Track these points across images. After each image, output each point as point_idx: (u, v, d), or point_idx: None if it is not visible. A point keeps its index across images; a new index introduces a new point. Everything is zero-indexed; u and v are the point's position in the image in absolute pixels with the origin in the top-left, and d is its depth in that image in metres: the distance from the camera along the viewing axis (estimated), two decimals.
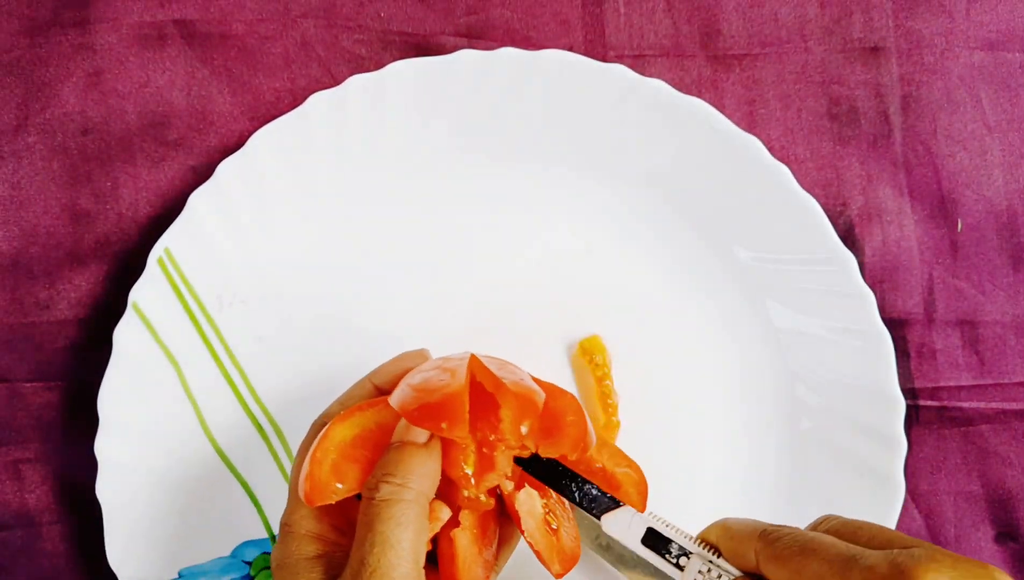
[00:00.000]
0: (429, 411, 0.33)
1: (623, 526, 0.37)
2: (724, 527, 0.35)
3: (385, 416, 0.36)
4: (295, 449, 0.46)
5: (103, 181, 0.48)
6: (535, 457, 0.37)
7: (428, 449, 0.34)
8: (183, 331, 0.46)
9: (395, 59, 0.47)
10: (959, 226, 0.49)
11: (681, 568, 0.36)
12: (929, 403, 0.49)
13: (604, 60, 0.47)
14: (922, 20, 0.49)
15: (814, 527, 0.34)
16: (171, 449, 0.46)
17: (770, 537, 0.33)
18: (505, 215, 0.47)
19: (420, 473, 0.34)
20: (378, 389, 0.38)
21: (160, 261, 0.45)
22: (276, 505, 0.46)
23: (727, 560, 0.35)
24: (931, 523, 0.49)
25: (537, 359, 0.47)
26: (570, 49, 0.47)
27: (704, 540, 0.36)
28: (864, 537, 0.32)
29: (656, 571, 0.37)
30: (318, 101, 0.45)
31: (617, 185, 0.47)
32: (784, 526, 0.34)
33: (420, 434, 0.34)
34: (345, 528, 0.36)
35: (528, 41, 0.48)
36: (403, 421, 0.35)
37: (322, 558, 0.34)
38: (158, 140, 0.48)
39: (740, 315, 0.47)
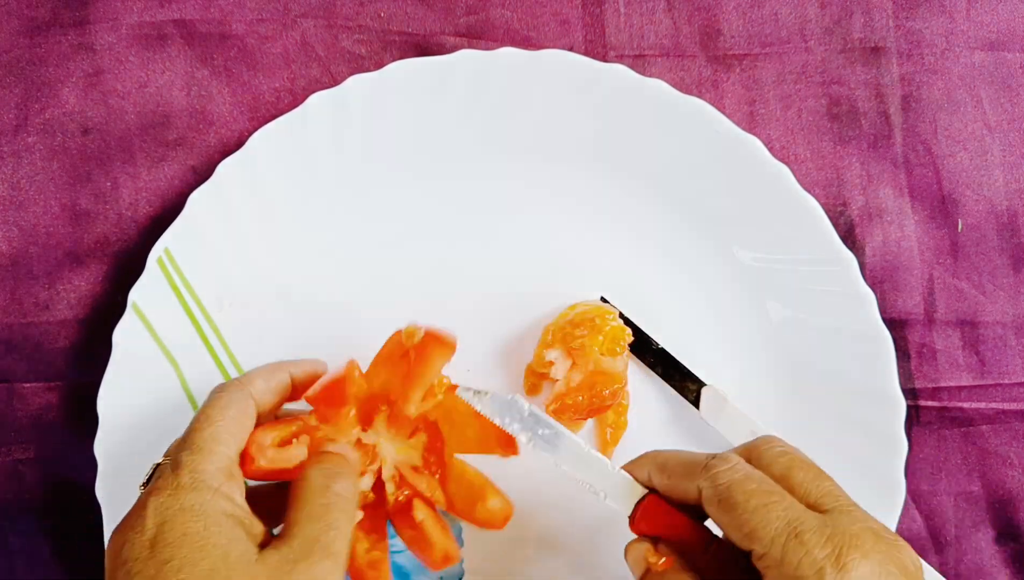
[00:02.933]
0: (323, 392, 0.38)
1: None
2: (659, 463, 0.37)
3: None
4: None
5: (103, 181, 0.48)
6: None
7: (355, 457, 0.38)
8: (183, 331, 0.46)
9: (395, 59, 0.47)
10: (959, 226, 0.49)
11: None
12: (929, 403, 0.49)
13: (604, 60, 0.47)
14: (922, 20, 0.49)
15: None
16: None
17: (713, 478, 0.34)
18: (505, 215, 0.47)
19: (354, 472, 0.37)
20: (293, 382, 0.40)
21: (160, 261, 0.45)
22: None
23: (657, 490, 0.37)
24: (931, 523, 0.49)
25: (519, 370, 0.47)
26: (570, 49, 0.47)
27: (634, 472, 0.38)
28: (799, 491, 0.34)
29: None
30: (318, 101, 0.45)
31: (617, 185, 0.47)
32: (726, 468, 0.35)
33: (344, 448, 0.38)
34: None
35: (528, 41, 0.48)
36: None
37: (237, 514, 0.34)
38: (158, 140, 0.48)
39: (740, 315, 0.47)
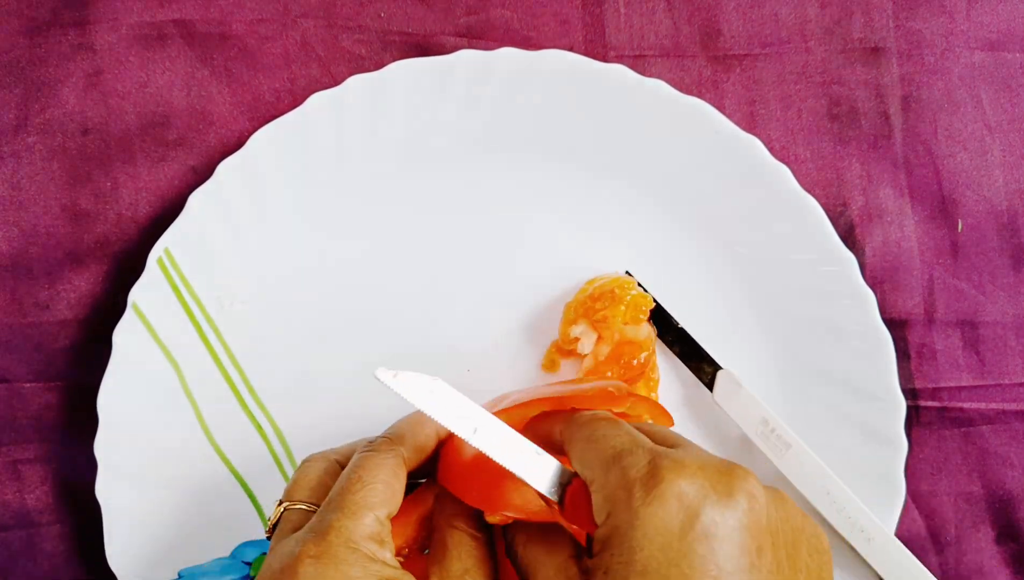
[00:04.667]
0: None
1: None
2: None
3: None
4: (295, 449, 0.46)
5: (103, 181, 0.48)
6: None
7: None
8: (183, 331, 0.46)
9: (395, 59, 0.47)
10: (959, 226, 0.49)
11: None
12: (929, 404, 0.49)
13: (604, 60, 0.47)
14: (922, 20, 0.49)
15: None
16: (171, 449, 0.46)
17: (574, 419, 0.34)
18: (505, 215, 0.47)
19: (410, 435, 0.36)
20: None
21: (160, 261, 0.45)
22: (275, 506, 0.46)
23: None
24: (931, 524, 0.49)
25: (537, 357, 0.47)
26: (570, 49, 0.47)
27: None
28: (657, 436, 0.33)
29: None
30: (318, 101, 0.45)
31: (617, 185, 0.47)
32: (591, 412, 0.34)
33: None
34: None
35: (528, 41, 0.48)
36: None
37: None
38: (158, 140, 0.48)
39: (740, 315, 0.47)
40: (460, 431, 0.34)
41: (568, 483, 0.34)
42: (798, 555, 0.31)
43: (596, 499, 0.31)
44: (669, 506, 0.29)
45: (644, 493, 0.29)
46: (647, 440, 0.32)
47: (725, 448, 0.46)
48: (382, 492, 0.33)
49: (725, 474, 0.30)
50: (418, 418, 0.37)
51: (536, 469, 0.34)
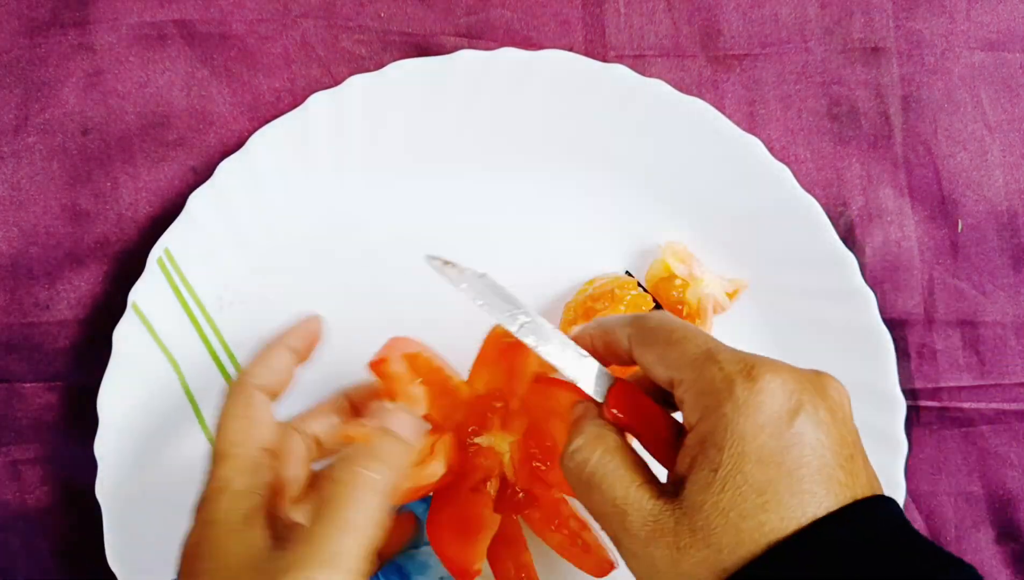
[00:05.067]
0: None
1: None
2: (597, 323, 0.36)
3: None
4: None
5: (103, 181, 0.48)
6: None
7: (410, 445, 0.35)
8: (183, 331, 0.46)
9: (395, 59, 0.47)
10: (959, 226, 0.49)
11: None
12: (929, 404, 0.49)
13: (604, 60, 0.47)
14: (922, 20, 0.49)
15: None
16: (171, 449, 0.46)
17: (640, 322, 0.34)
18: (504, 215, 0.47)
19: (397, 466, 0.34)
20: (352, 404, 0.39)
21: (160, 261, 0.45)
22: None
23: (600, 354, 0.36)
24: (931, 524, 0.49)
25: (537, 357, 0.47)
26: (570, 49, 0.47)
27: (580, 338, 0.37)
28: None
29: None
30: (318, 101, 0.45)
31: (617, 185, 0.47)
32: (656, 313, 0.35)
33: (404, 426, 0.35)
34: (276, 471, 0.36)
35: (528, 41, 0.48)
36: (386, 405, 0.36)
37: (257, 514, 0.34)
38: (158, 140, 0.48)
39: (740, 315, 0.47)
40: (505, 322, 0.35)
41: (612, 385, 0.35)
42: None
43: (687, 398, 0.31)
44: (775, 396, 0.30)
45: (748, 385, 0.30)
46: (722, 342, 0.33)
47: None
48: (243, 428, 0.36)
49: (817, 374, 0.32)
50: (268, 344, 0.39)
51: (582, 369, 0.35)
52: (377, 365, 0.37)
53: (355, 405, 0.39)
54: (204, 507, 0.34)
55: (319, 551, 0.31)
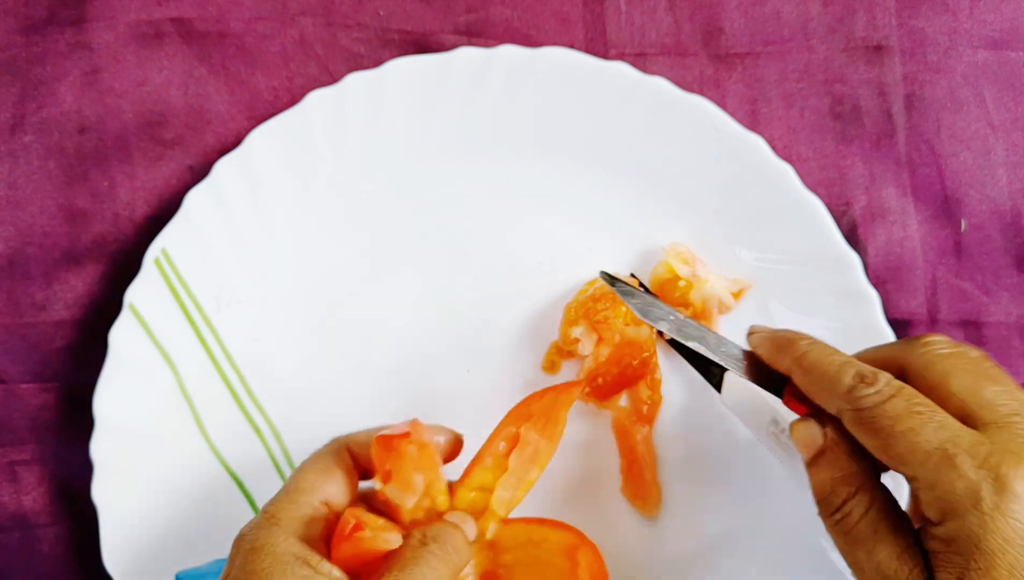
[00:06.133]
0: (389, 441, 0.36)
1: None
2: (799, 354, 0.36)
3: None
4: (292, 450, 0.46)
5: (100, 181, 0.48)
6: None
7: (470, 549, 0.36)
8: (180, 332, 0.45)
9: (394, 57, 0.46)
10: (963, 226, 0.49)
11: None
12: None
13: (605, 58, 0.47)
14: (925, 19, 0.49)
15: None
16: (167, 451, 0.45)
17: (856, 398, 0.32)
18: (505, 213, 0.47)
19: (461, 563, 0.35)
20: (352, 455, 0.37)
21: (157, 261, 0.45)
22: None
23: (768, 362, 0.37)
24: None
25: (537, 358, 0.47)
26: (571, 47, 0.47)
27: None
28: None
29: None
30: (316, 99, 0.45)
31: (618, 184, 0.47)
32: (809, 340, 0.35)
33: (470, 529, 0.36)
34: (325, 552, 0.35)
35: (528, 39, 0.48)
36: (454, 514, 0.37)
37: (309, 563, 0.33)
38: (155, 139, 0.48)
39: (743, 316, 0.47)
40: (679, 334, 0.40)
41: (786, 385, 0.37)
42: None
43: (923, 495, 0.30)
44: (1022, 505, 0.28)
45: (995, 498, 0.28)
46: (955, 422, 0.30)
47: (734, 449, 0.46)
48: (313, 480, 0.35)
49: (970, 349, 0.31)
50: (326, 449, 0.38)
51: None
52: (389, 441, 0.36)
53: (355, 457, 0.37)
54: (254, 535, 0.33)
55: None
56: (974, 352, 0.34)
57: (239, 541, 0.34)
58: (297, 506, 0.34)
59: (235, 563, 0.33)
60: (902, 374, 0.33)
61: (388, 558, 0.33)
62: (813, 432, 0.34)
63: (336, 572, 0.33)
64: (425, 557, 0.33)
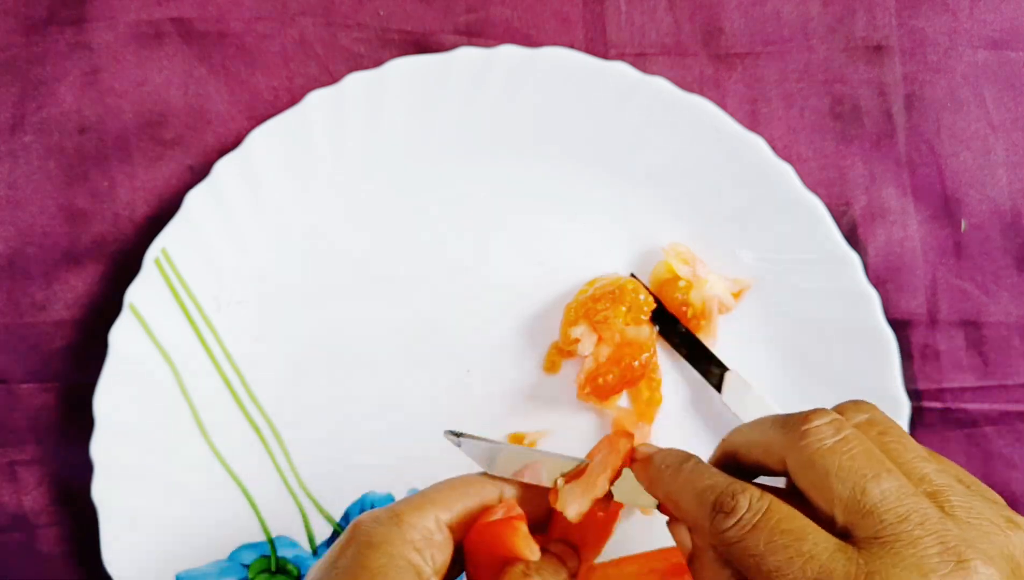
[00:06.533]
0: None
1: None
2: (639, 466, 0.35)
3: None
4: (292, 451, 0.46)
5: (100, 181, 0.48)
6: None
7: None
8: (180, 332, 0.45)
9: (394, 57, 0.46)
10: (963, 226, 0.49)
11: None
12: (932, 405, 0.48)
13: (605, 58, 0.47)
14: (925, 19, 0.49)
15: None
16: (168, 451, 0.45)
17: (663, 475, 0.33)
18: (505, 213, 0.47)
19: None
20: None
21: (157, 261, 0.45)
22: (273, 507, 0.46)
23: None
24: None
25: (537, 358, 0.47)
26: (571, 47, 0.47)
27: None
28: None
29: None
30: (316, 99, 0.45)
31: (619, 184, 0.47)
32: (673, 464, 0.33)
33: None
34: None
35: (529, 39, 0.48)
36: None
37: (421, 574, 0.32)
38: (155, 139, 0.48)
39: (742, 315, 0.47)
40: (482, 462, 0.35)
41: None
42: None
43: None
44: None
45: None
46: (826, 546, 0.28)
47: None
48: (447, 495, 0.34)
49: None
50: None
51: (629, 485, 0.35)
52: (503, 528, 0.33)
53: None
54: (375, 530, 0.32)
55: None
56: (873, 429, 0.31)
57: (355, 530, 0.32)
58: (423, 516, 0.33)
59: (347, 552, 0.32)
60: (783, 467, 0.31)
61: None
62: (682, 538, 0.32)
63: None
64: None
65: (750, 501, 0.29)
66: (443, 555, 0.33)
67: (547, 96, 0.46)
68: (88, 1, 0.48)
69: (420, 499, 0.34)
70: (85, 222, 0.48)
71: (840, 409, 0.32)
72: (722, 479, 0.31)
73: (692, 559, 0.32)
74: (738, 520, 0.29)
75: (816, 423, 0.30)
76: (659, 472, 0.34)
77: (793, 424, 0.31)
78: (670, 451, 0.34)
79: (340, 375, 0.46)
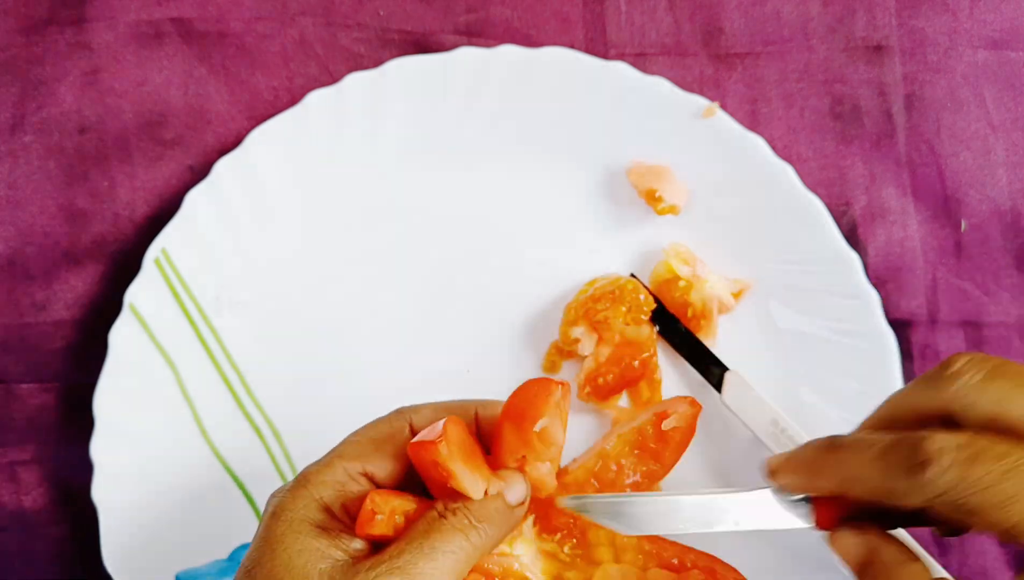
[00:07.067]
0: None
1: None
2: (784, 463, 0.32)
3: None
4: (292, 450, 0.46)
5: (100, 180, 0.48)
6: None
7: (516, 518, 0.33)
8: (180, 332, 0.45)
9: (394, 57, 0.46)
10: (963, 226, 0.49)
11: None
12: None
13: (605, 58, 0.47)
14: (925, 19, 0.49)
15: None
16: (167, 451, 0.45)
17: (831, 461, 0.30)
18: (505, 214, 0.47)
19: (498, 535, 0.32)
20: (413, 431, 0.34)
21: (157, 261, 0.45)
22: None
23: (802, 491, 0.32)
24: None
25: (537, 358, 0.47)
26: (571, 47, 0.47)
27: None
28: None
29: None
30: (316, 99, 0.45)
31: (617, 184, 0.47)
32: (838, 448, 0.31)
33: (517, 496, 0.33)
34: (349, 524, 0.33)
35: (529, 39, 0.48)
36: (509, 471, 0.33)
37: (327, 530, 0.31)
38: (155, 139, 0.48)
39: (742, 315, 0.47)
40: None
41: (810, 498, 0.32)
42: None
43: None
44: None
45: None
46: None
47: (735, 449, 0.46)
48: (355, 447, 0.33)
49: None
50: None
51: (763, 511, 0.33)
52: (426, 448, 0.32)
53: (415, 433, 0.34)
54: (278, 498, 0.32)
55: (397, 569, 0.29)
56: (1000, 361, 0.29)
57: (268, 503, 0.32)
58: (331, 471, 0.32)
59: (260, 526, 0.32)
60: (947, 418, 0.29)
61: (401, 533, 0.31)
62: (852, 548, 0.30)
63: (357, 544, 0.31)
64: (439, 531, 0.30)
65: (943, 442, 0.27)
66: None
67: (547, 96, 0.46)
68: (88, 1, 0.48)
69: (326, 456, 0.33)
70: (85, 222, 0.48)
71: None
72: (892, 435, 0.28)
73: (866, 566, 0.30)
74: (944, 469, 0.26)
75: (957, 366, 0.28)
76: (816, 462, 0.31)
77: (935, 377, 0.29)
78: (807, 443, 0.32)
79: (340, 374, 0.46)
